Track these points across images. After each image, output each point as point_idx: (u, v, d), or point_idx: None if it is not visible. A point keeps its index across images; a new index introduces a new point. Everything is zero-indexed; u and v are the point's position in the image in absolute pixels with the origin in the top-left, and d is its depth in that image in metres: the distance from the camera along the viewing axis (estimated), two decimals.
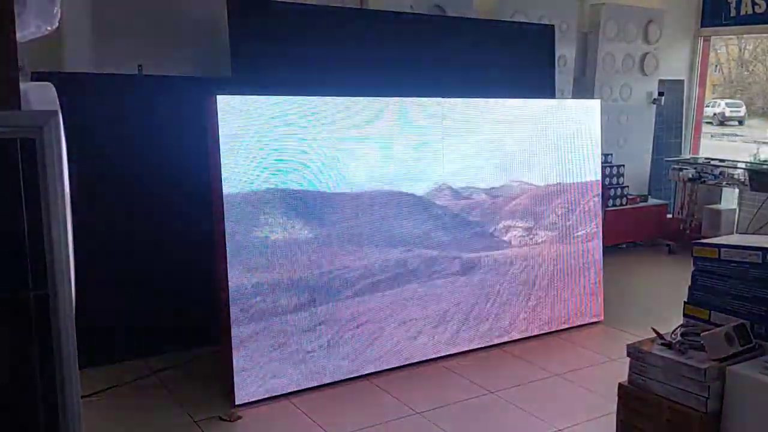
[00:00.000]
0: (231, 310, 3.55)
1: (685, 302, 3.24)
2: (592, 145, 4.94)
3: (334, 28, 4.86)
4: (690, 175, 7.04)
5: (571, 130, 4.83)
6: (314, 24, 4.75)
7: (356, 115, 3.93)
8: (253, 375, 3.64)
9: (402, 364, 4.12)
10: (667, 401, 2.84)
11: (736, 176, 6.72)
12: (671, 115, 7.95)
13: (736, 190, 7.06)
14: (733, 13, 7.54)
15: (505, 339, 4.54)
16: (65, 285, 1.48)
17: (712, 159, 7.21)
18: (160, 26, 4.57)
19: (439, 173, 4.25)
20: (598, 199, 5.01)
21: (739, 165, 6.81)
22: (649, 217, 7.23)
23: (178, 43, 4.62)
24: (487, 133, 4.45)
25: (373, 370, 4.01)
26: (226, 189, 3.51)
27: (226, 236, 3.53)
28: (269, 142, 3.63)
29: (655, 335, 3.04)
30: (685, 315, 3.22)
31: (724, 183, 6.89)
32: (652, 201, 7.41)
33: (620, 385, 3.05)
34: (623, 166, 7.01)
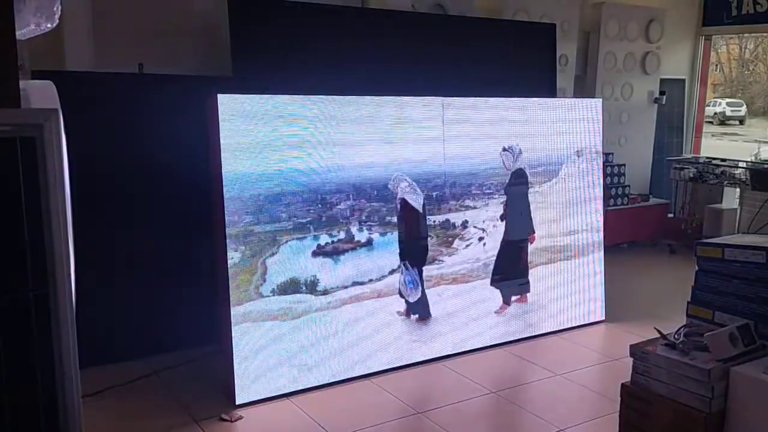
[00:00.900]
0: (231, 310, 3.54)
1: (688, 302, 3.22)
2: (593, 144, 4.93)
3: (335, 27, 4.85)
4: (691, 175, 7.03)
5: (572, 129, 4.82)
6: (315, 23, 4.74)
7: (357, 113, 3.92)
8: (254, 375, 3.63)
9: (402, 364, 4.11)
10: (671, 402, 2.82)
11: (737, 176, 6.72)
12: (672, 115, 7.94)
13: (737, 190, 7.06)
14: (734, 12, 7.54)
15: (506, 339, 4.53)
16: (65, 285, 1.47)
17: (714, 158, 7.21)
18: (160, 25, 4.55)
19: (439, 173, 4.24)
20: (599, 199, 5.00)
21: (740, 164, 6.81)
22: (649, 217, 7.22)
23: (179, 42, 4.61)
24: (488, 132, 4.44)
25: (373, 370, 4.00)
26: (227, 188, 3.50)
27: (227, 236, 3.51)
28: (270, 141, 3.62)
29: (659, 335, 3.03)
30: (688, 315, 3.20)
31: (725, 182, 6.88)
32: (653, 200, 7.40)
33: (623, 386, 3.03)
34: (624, 165, 7.00)
